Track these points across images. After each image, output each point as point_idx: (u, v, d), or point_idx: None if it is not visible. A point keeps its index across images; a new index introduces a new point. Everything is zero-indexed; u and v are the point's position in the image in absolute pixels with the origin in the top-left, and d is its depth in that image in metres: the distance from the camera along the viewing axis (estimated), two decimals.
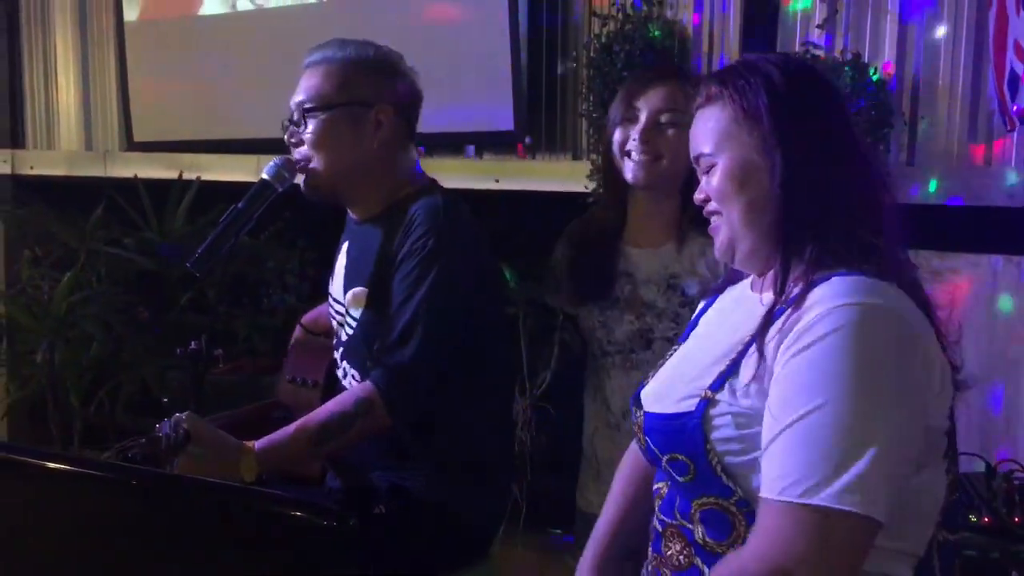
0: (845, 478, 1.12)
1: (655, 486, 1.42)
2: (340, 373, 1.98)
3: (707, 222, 1.87)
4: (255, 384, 2.90)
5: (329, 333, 2.08)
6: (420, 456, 1.89)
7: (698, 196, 1.38)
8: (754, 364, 1.23)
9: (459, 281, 1.82)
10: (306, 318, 2.23)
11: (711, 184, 1.34)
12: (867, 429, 1.14)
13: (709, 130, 1.34)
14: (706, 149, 1.34)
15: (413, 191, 1.90)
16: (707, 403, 1.25)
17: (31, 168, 4.35)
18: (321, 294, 3.49)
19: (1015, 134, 2.60)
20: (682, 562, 1.31)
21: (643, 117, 1.93)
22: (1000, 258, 2.58)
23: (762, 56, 1.37)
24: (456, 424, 1.90)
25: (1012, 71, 2.22)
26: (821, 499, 1.12)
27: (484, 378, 1.92)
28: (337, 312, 2.00)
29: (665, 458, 1.32)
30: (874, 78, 2.64)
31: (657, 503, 1.39)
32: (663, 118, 1.93)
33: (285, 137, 1.91)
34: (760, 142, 1.28)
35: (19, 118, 4.47)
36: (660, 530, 1.36)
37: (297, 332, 2.22)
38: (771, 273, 1.31)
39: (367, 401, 1.77)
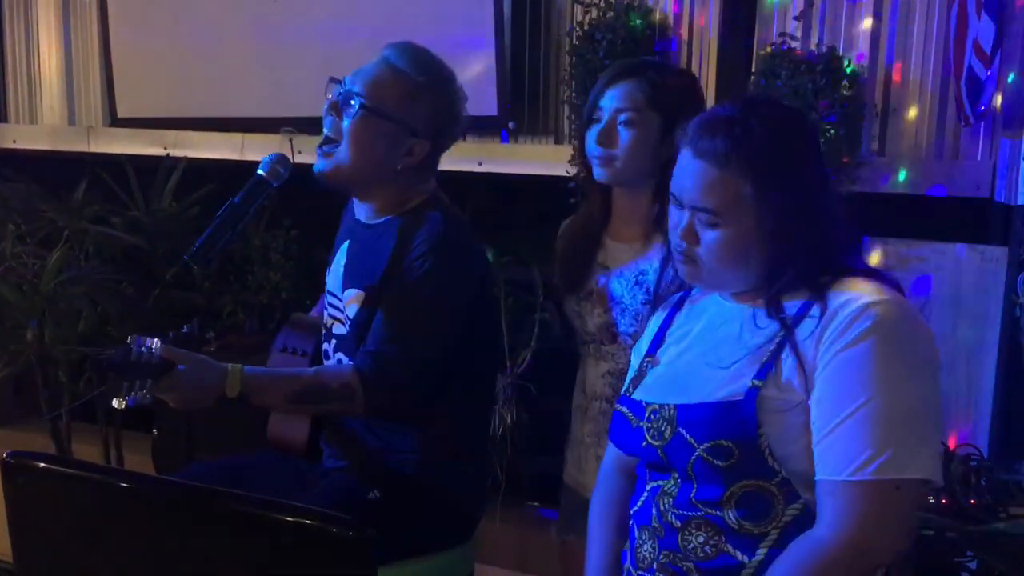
0: (908, 451, 1.26)
1: (656, 484, 1.44)
2: (333, 364, 2.05)
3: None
4: (243, 362, 2.94)
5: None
6: (407, 432, 1.97)
7: (687, 237, 1.41)
8: (793, 360, 1.33)
9: (454, 296, 1.89)
10: None
11: (709, 239, 1.38)
12: (917, 408, 1.28)
13: (717, 192, 1.36)
14: (710, 206, 1.36)
15: (419, 202, 1.95)
16: (757, 391, 1.33)
17: (14, 142, 4.35)
18: (304, 274, 3.56)
19: (981, 128, 2.70)
20: (709, 552, 1.35)
21: (605, 117, 1.95)
22: (964, 246, 2.69)
23: (765, 106, 1.43)
24: (444, 410, 1.98)
25: (971, 70, 2.27)
26: (895, 472, 1.25)
27: (471, 370, 2.00)
28: (333, 307, 2.06)
29: (704, 446, 1.34)
30: (848, 70, 2.72)
31: (664, 502, 1.42)
32: (621, 118, 1.93)
33: (329, 104, 1.91)
34: (767, 212, 1.34)
35: (1, 91, 4.45)
36: (678, 525, 1.39)
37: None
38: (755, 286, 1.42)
39: (349, 388, 1.84)
